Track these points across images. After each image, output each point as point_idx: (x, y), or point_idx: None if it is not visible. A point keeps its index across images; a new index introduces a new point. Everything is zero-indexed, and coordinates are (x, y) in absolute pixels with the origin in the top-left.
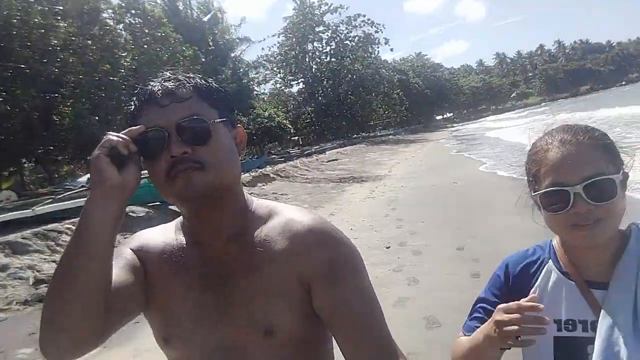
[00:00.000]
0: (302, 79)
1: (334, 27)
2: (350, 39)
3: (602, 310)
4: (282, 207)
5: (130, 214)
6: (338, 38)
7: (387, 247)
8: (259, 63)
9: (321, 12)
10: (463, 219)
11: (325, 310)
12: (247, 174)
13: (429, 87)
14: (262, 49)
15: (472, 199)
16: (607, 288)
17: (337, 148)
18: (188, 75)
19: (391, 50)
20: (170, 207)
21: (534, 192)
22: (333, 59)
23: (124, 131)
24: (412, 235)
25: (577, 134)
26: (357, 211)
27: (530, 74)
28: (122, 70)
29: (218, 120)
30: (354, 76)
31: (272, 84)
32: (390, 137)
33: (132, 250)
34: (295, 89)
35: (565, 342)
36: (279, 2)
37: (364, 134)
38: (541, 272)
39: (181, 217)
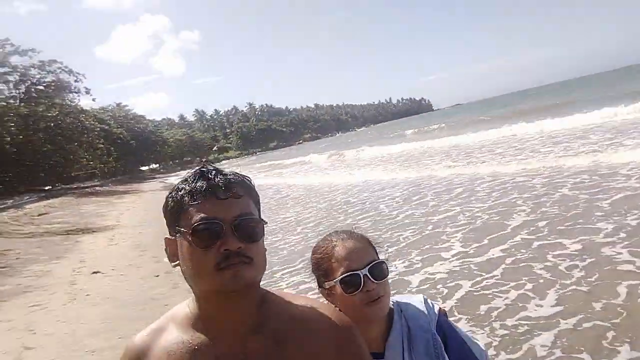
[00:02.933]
0: None
1: (23, 70)
2: (45, 84)
3: None
4: (292, 296)
5: None
6: (29, 82)
7: (156, 276)
8: None
9: (6, 51)
10: None
11: None
12: None
13: (133, 137)
14: None
15: None
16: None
17: (39, 201)
18: (234, 172)
19: (93, 100)
20: None
21: (329, 280)
22: (22, 104)
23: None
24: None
25: (351, 235)
26: (108, 256)
27: (228, 130)
28: None
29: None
30: (51, 124)
31: None
32: (98, 188)
33: None
34: None
35: None
36: None
37: (65, 185)
38: None
39: (186, 313)
